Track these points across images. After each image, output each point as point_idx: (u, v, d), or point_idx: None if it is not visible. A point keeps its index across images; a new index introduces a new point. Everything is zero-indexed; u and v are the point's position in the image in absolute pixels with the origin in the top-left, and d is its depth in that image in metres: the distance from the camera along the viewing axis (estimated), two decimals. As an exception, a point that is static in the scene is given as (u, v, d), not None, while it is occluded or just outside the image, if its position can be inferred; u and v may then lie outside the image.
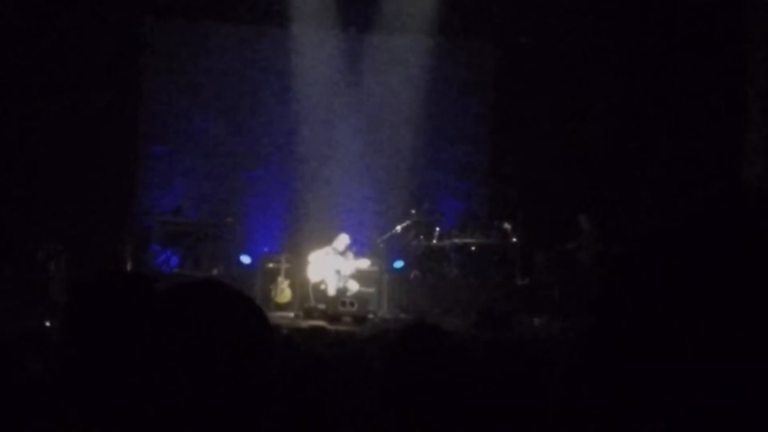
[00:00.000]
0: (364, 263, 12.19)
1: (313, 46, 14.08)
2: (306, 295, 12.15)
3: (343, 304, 11.61)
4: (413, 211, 13.16)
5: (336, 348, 4.39)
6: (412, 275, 13.04)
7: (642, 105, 13.23)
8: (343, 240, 12.17)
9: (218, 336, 1.37)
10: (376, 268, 12.41)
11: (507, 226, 12.94)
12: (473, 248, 13.10)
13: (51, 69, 12.73)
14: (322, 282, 12.00)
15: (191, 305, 1.42)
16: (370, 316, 11.66)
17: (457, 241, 13.11)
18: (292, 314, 11.99)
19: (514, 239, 12.88)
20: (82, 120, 12.86)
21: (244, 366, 1.38)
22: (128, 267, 12.08)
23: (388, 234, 12.84)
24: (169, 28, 14.02)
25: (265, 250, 13.24)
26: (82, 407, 1.69)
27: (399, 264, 13.19)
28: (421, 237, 13.21)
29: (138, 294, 1.82)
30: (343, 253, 12.10)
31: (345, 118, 14.23)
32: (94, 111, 12.89)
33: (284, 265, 12.43)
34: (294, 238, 13.54)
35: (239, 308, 1.44)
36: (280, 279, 12.35)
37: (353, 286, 11.97)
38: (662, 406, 0.67)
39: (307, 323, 10.46)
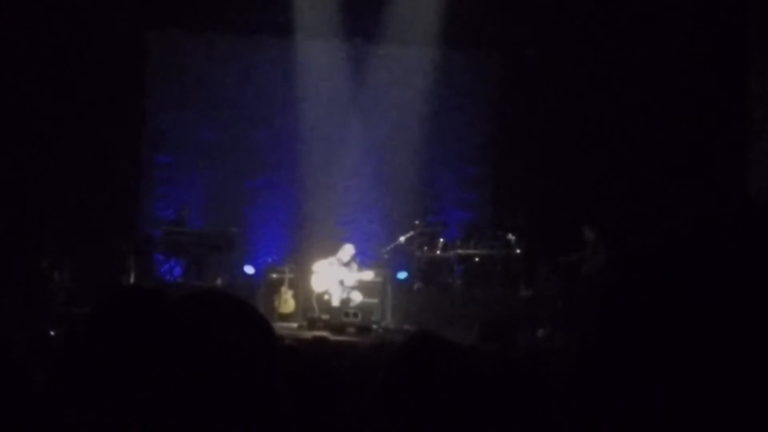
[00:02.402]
0: (368, 275, 12.16)
1: (318, 57, 14.10)
2: (309, 305, 12.14)
3: (347, 314, 11.60)
4: (417, 222, 13.16)
5: (339, 358, 4.39)
6: (415, 286, 13.03)
7: (647, 114, 13.23)
8: (347, 251, 12.15)
9: (223, 346, 1.38)
10: (379, 279, 12.39)
11: (511, 237, 12.92)
12: (477, 259, 13.09)
13: (54, 79, 12.78)
14: (325, 292, 12.00)
15: (196, 316, 1.42)
16: (374, 326, 11.64)
17: (460, 252, 13.09)
18: (295, 324, 11.97)
19: (518, 250, 12.86)
20: (85, 130, 12.89)
21: (249, 376, 1.38)
22: (131, 277, 12.08)
23: (392, 245, 12.84)
24: (174, 38, 14.06)
25: (269, 260, 13.23)
26: (86, 417, 1.69)
27: (402, 275, 13.18)
28: (425, 248, 13.20)
29: (153, 309, 1.83)
30: (347, 264, 12.08)
31: (349, 129, 14.24)
32: (97, 121, 12.92)
33: (288, 276, 12.43)
34: (297, 248, 13.53)
35: (244, 319, 1.44)
36: (283, 289, 12.34)
37: (357, 297, 11.96)
38: (665, 419, 0.67)
39: (310, 334, 10.45)
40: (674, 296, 0.69)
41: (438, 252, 13.21)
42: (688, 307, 0.68)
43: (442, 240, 13.28)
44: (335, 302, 11.84)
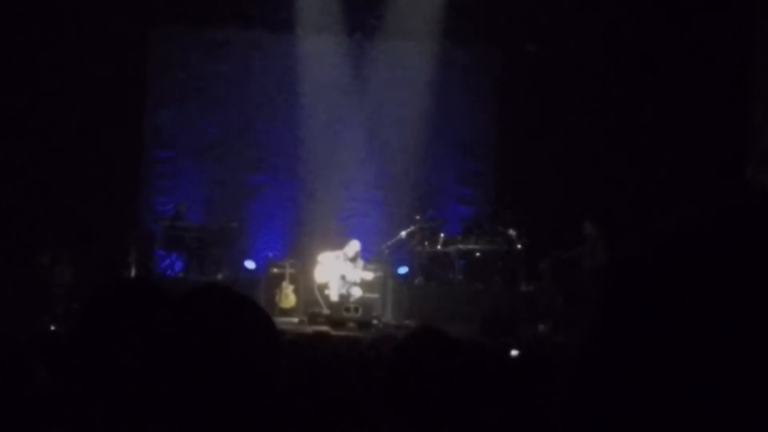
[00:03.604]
0: (369, 275, 12.14)
1: (319, 52, 14.10)
2: (310, 300, 12.16)
3: (348, 309, 11.61)
4: (418, 217, 13.15)
5: (340, 353, 4.39)
6: (416, 281, 13.03)
7: (648, 111, 13.21)
8: (353, 246, 12.14)
9: (225, 341, 1.38)
10: (380, 274, 12.39)
11: (512, 232, 12.92)
12: (478, 254, 13.09)
13: (56, 74, 12.77)
14: (326, 285, 12.00)
15: (198, 311, 1.42)
16: (375, 321, 11.64)
17: (461, 247, 13.09)
18: (296, 319, 11.98)
19: (519, 245, 12.86)
20: (86, 126, 12.89)
21: (251, 371, 1.38)
22: (132, 272, 12.09)
23: (393, 240, 12.84)
24: (175, 33, 14.05)
25: (270, 255, 13.24)
26: (88, 412, 1.69)
27: (403, 270, 13.18)
28: (426, 243, 13.20)
29: (148, 301, 1.83)
30: (353, 260, 12.08)
31: (350, 124, 14.24)
32: (98, 116, 12.91)
33: (289, 271, 12.43)
34: (298, 243, 13.55)
35: (246, 314, 1.44)
36: (284, 284, 12.35)
37: (357, 292, 11.96)
38: (666, 417, 0.67)
39: (311, 328, 10.47)
40: (675, 294, 0.69)
41: (439, 247, 13.20)
42: (690, 306, 0.68)
43: (442, 235, 13.28)
44: (334, 296, 11.85)
